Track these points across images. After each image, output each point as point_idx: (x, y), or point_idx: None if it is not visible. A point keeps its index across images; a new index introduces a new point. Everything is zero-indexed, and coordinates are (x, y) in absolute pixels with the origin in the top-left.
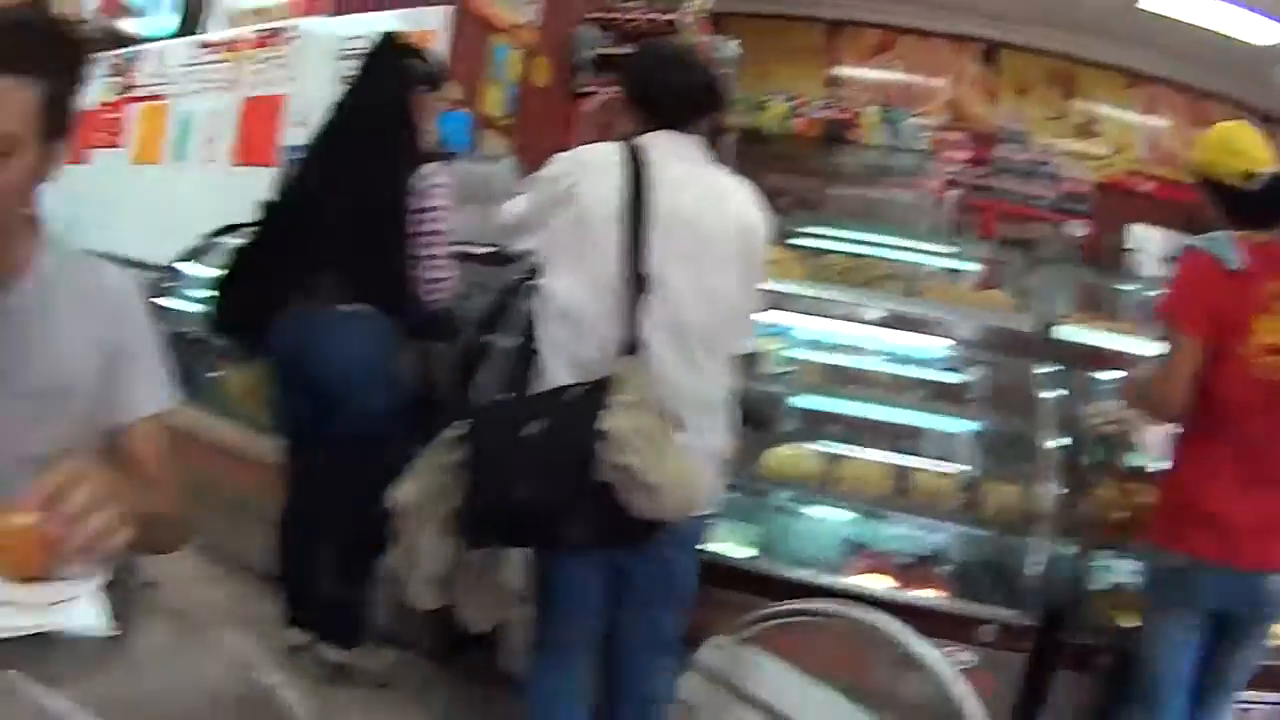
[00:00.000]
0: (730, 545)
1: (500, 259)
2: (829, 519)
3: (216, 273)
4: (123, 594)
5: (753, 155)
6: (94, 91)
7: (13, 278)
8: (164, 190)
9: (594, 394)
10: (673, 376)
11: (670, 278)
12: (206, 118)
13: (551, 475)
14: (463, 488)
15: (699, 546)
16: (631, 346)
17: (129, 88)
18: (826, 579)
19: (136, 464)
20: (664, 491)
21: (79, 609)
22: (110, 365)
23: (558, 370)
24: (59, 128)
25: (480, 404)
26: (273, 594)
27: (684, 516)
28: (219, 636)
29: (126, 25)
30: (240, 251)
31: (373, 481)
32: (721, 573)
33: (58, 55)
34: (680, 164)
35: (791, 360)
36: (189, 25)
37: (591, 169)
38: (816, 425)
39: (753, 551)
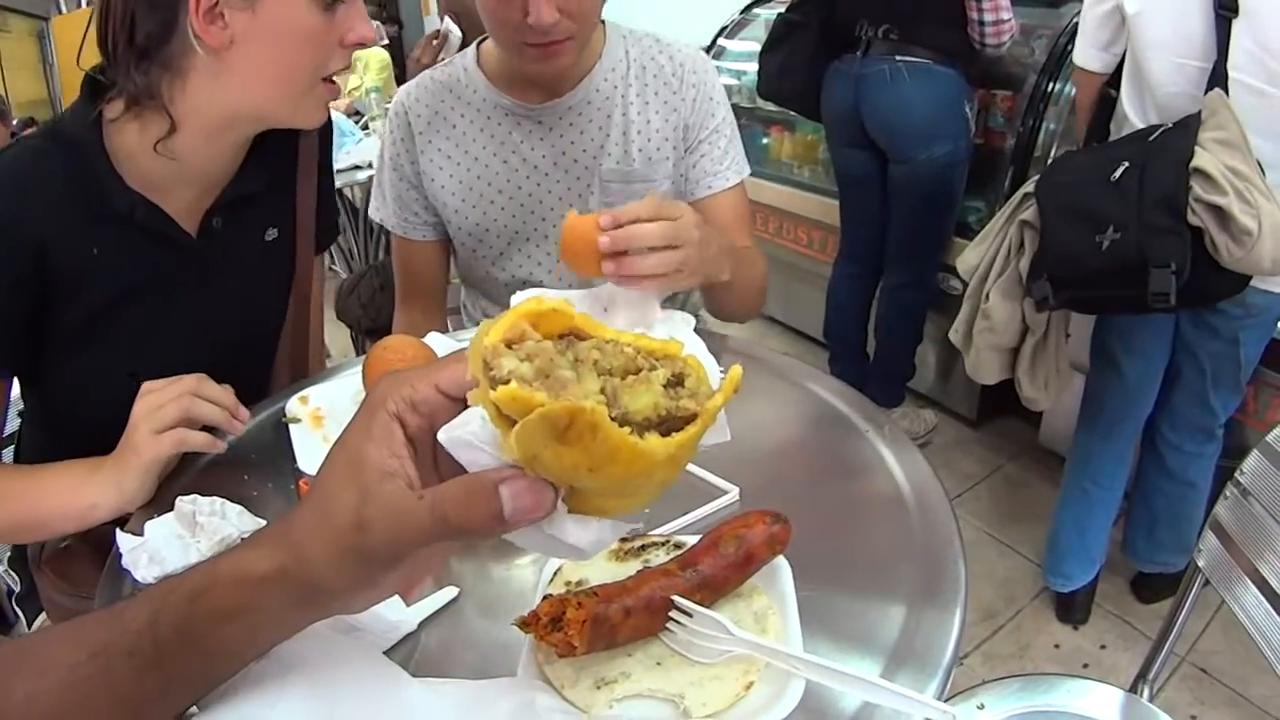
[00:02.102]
0: None
1: (1050, 0)
2: None
3: (755, 45)
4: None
5: None
6: None
7: (585, 75)
8: None
9: (1182, 131)
10: (1261, 114)
11: (1266, 4)
12: None
13: (1140, 218)
14: (1034, 245)
15: (1272, 330)
16: (1219, 78)
17: None
18: None
19: (722, 231)
20: (1259, 236)
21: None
22: (687, 143)
23: (1138, 113)
24: None
25: (1058, 157)
26: (817, 353)
27: (1275, 271)
28: (818, 377)
29: None
30: (783, 17)
31: (933, 237)
32: (1277, 351)
33: None
34: None
35: None
36: None
37: None
38: None
39: None
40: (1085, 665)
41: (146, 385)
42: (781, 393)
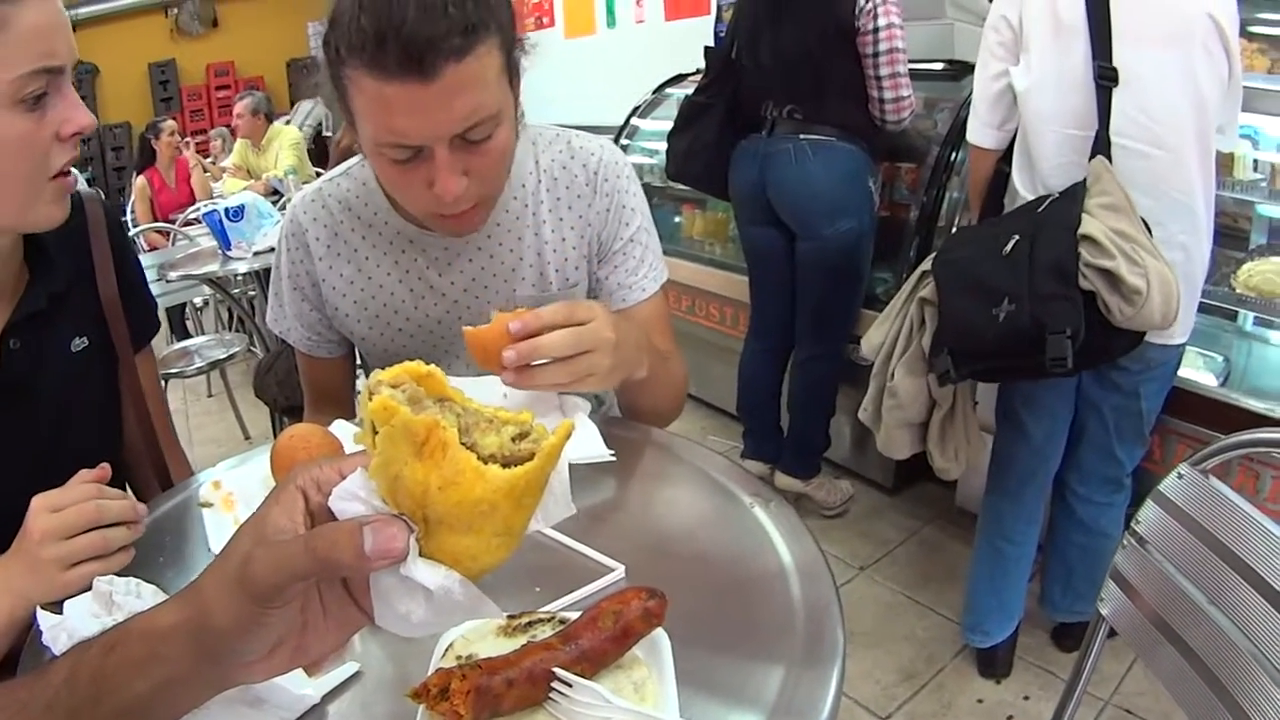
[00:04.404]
0: (1192, 372)
1: (953, 74)
2: None
3: (668, 124)
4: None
5: None
6: None
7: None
8: (604, 57)
9: (1069, 200)
10: (1145, 175)
11: (1142, 69)
12: None
13: (1032, 288)
14: (934, 321)
15: (1170, 381)
16: (1102, 145)
17: None
18: None
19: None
20: (1148, 295)
21: (581, 437)
22: (600, 255)
23: (1027, 186)
24: (517, 66)
25: (952, 234)
26: (731, 428)
27: (1165, 325)
28: (703, 455)
29: None
30: (691, 100)
31: (842, 311)
32: (1181, 402)
33: None
34: None
35: (1262, 165)
36: None
37: None
38: None
39: (1215, 379)
40: (1010, 718)
41: (37, 501)
42: (672, 473)
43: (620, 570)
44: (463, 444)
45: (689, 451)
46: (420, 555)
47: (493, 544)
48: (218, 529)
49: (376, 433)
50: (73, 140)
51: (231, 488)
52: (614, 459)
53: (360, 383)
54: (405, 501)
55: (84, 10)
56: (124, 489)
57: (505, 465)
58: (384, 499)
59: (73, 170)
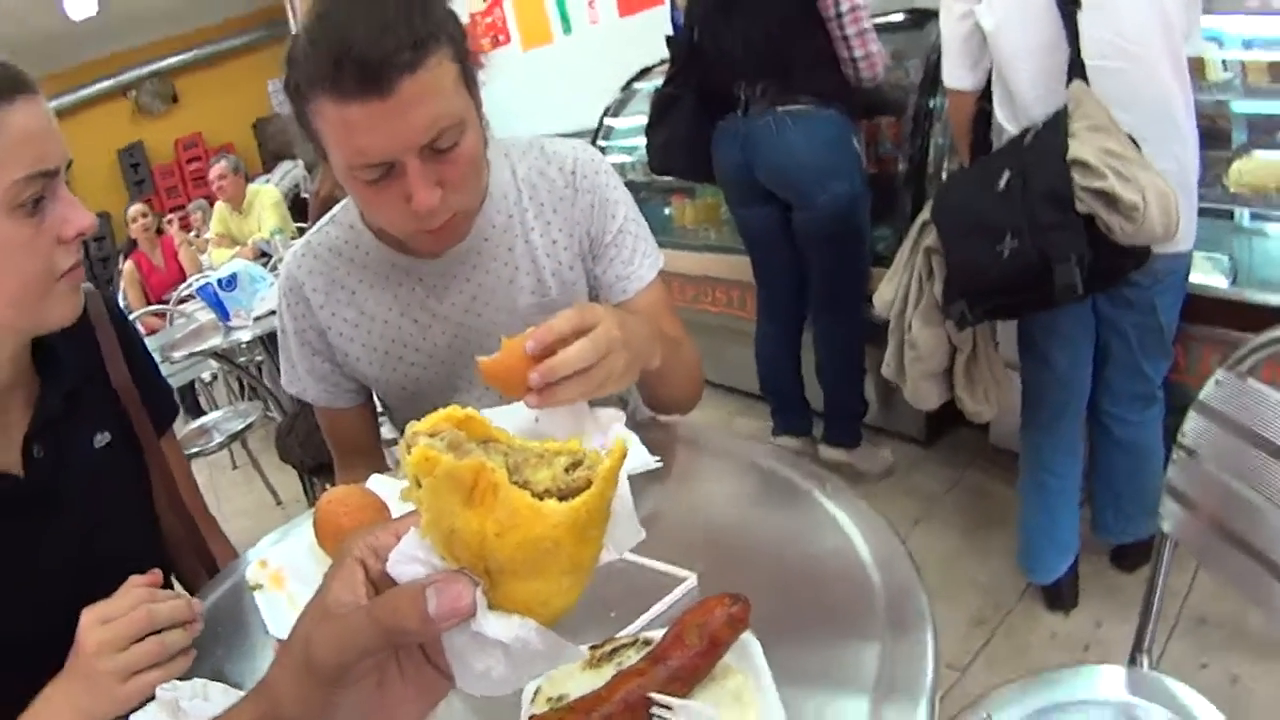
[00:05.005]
0: (1200, 276)
1: (915, 21)
2: None
3: (642, 119)
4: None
5: None
6: (463, 4)
7: (476, 213)
8: (566, 63)
9: (1053, 128)
10: (1124, 92)
11: None
12: None
13: (1032, 220)
14: (942, 268)
15: (1182, 290)
16: (1077, 69)
17: None
18: None
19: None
20: (1146, 208)
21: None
22: (594, 252)
23: (1011, 121)
24: (473, 74)
25: (946, 179)
26: (757, 409)
27: (1168, 237)
28: (744, 445)
29: None
30: (661, 92)
31: (852, 274)
32: (1194, 307)
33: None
34: None
35: (1231, 65)
36: None
37: None
38: (1272, 131)
39: (1224, 280)
40: (1086, 647)
41: (87, 615)
42: (719, 469)
43: (692, 578)
44: (513, 483)
45: (729, 443)
46: (490, 609)
47: (563, 584)
48: (273, 610)
49: (421, 487)
50: (75, 241)
51: (279, 564)
52: (660, 465)
53: (385, 429)
54: (464, 554)
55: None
56: (170, 582)
57: (562, 498)
58: (442, 556)
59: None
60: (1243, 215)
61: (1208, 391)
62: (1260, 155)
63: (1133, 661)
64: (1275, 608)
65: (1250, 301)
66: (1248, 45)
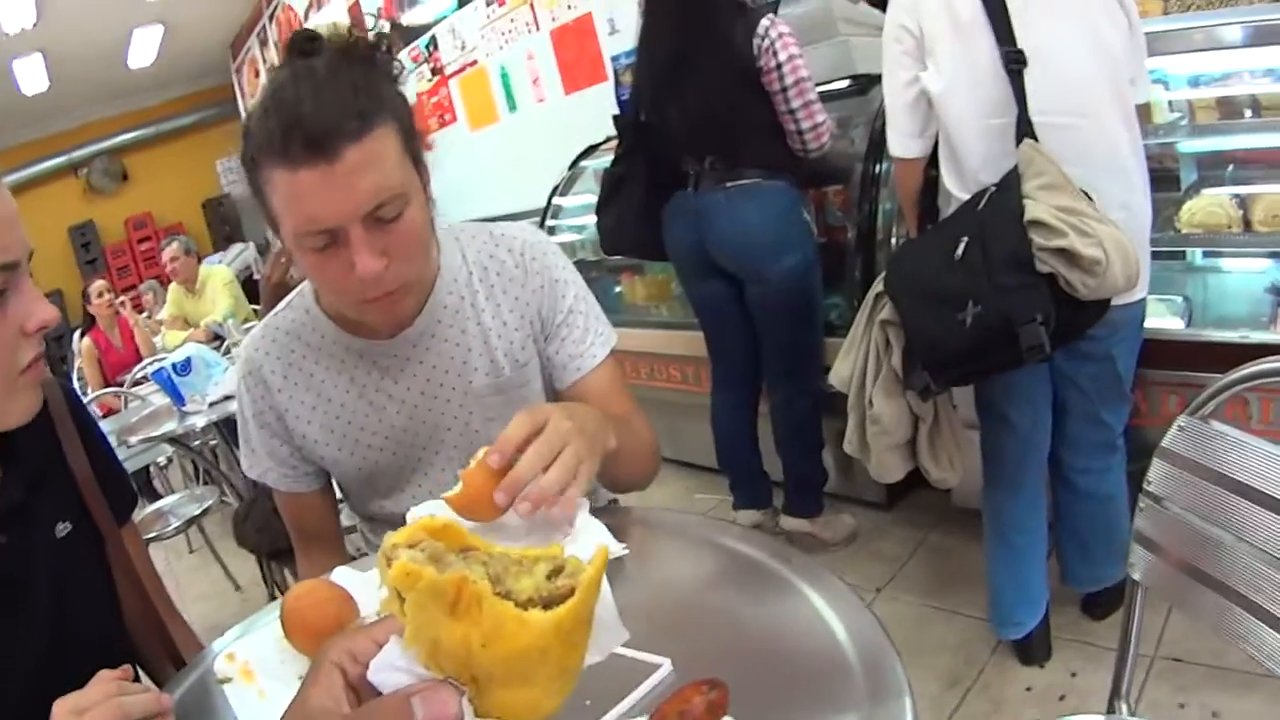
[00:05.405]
0: (1155, 320)
1: (859, 89)
2: (1248, 271)
3: (589, 198)
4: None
5: None
6: (411, 85)
7: (428, 295)
8: (512, 141)
9: (1006, 190)
10: (1074, 147)
11: (1048, 45)
12: (523, 64)
13: (994, 285)
14: (900, 340)
15: (1139, 336)
16: (1025, 128)
17: (438, 69)
18: (1259, 336)
19: (600, 408)
20: (1108, 262)
21: (590, 537)
22: (545, 333)
23: (960, 186)
24: (418, 149)
25: (898, 248)
26: (715, 482)
27: (1130, 287)
28: (708, 525)
29: (412, 17)
30: (610, 172)
31: (807, 346)
32: (1151, 351)
33: (389, 76)
34: None
35: (1177, 105)
36: None
37: None
38: (1220, 167)
39: (1179, 321)
40: (1062, 698)
41: (58, 707)
42: (684, 551)
43: (666, 664)
44: (497, 593)
45: (693, 525)
46: (476, 716)
47: (550, 689)
48: (243, 703)
49: (403, 599)
50: (38, 334)
51: (246, 657)
52: (627, 551)
53: (344, 516)
54: (449, 664)
55: None
56: (136, 672)
57: (546, 606)
58: (426, 665)
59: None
60: (1194, 255)
61: (1171, 437)
62: (1209, 193)
63: (1110, 709)
64: (1252, 644)
65: (1207, 340)
66: (1194, 83)
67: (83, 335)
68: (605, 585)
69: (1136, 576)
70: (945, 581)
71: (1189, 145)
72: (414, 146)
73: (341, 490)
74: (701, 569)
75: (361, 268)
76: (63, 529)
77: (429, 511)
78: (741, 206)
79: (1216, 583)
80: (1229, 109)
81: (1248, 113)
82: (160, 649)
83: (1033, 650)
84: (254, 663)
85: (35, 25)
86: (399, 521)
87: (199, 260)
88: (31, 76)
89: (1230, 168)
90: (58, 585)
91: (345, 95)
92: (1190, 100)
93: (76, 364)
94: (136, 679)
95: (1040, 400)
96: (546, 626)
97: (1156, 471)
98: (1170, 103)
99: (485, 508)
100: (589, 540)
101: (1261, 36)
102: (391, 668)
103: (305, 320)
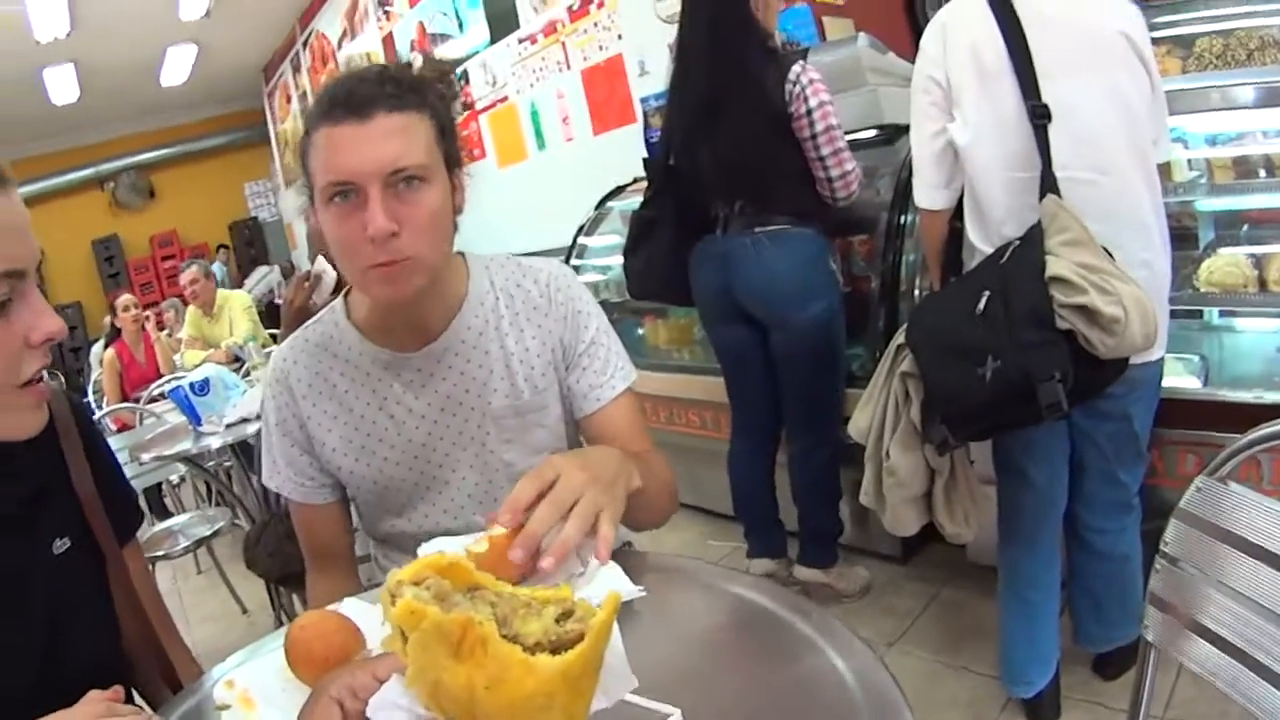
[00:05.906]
0: (1173, 379)
1: (885, 138)
2: (1261, 330)
3: (614, 239)
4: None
5: None
6: None
7: (455, 314)
8: (540, 179)
9: (1029, 245)
10: (1097, 203)
11: (1071, 100)
12: (553, 102)
13: (1014, 341)
14: (920, 393)
15: (1156, 396)
16: (1049, 183)
17: (469, 105)
18: (1273, 397)
19: (615, 444)
20: (1127, 320)
21: (605, 579)
22: (567, 361)
23: (984, 239)
24: (454, 157)
25: (921, 302)
26: (729, 529)
27: (1148, 346)
28: (724, 575)
29: (445, 51)
30: (639, 215)
31: (828, 395)
32: (1168, 410)
33: (437, 90)
34: None
35: (1196, 163)
36: (499, 29)
37: (953, 30)
38: (1236, 227)
39: (1196, 381)
40: None
41: None
42: (697, 599)
43: (676, 715)
44: (503, 636)
45: (707, 573)
46: None
47: None
48: None
49: (407, 638)
50: (43, 346)
51: (246, 685)
52: (644, 594)
53: (359, 545)
54: (450, 706)
55: (21, 190)
56: (130, 694)
57: (554, 651)
58: (426, 705)
59: (44, 376)
60: (1212, 314)
61: (1188, 498)
62: (1226, 252)
63: None
64: (1265, 709)
65: (1224, 400)
66: (1212, 142)
67: (106, 346)
68: (616, 631)
69: (1150, 638)
70: (957, 637)
71: (1207, 204)
72: (448, 147)
73: (356, 509)
74: (714, 617)
75: (372, 226)
76: (61, 545)
77: (438, 549)
78: (769, 252)
79: (1233, 647)
80: (1244, 169)
81: (1262, 172)
82: (157, 672)
83: (1042, 709)
84: (254, 691)
85: (69, 35)
86: (410, 542)
87: (218, 285)
88: (62, 87)
89: (1245, 227)
90: (54, 602)
91: (387, 80)
92: (1209, 159)
93: (94, 376)
94: (130, 701)
95: (1058, 457)
96: (553, 673)
97: (1173, 532)
98: (1189, 161)
99: (508, 567)
100: (603, 582)
101: (1276, 97)
102: (392, 706)
103: (334, 332)
